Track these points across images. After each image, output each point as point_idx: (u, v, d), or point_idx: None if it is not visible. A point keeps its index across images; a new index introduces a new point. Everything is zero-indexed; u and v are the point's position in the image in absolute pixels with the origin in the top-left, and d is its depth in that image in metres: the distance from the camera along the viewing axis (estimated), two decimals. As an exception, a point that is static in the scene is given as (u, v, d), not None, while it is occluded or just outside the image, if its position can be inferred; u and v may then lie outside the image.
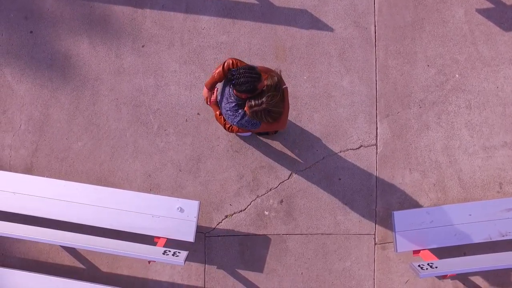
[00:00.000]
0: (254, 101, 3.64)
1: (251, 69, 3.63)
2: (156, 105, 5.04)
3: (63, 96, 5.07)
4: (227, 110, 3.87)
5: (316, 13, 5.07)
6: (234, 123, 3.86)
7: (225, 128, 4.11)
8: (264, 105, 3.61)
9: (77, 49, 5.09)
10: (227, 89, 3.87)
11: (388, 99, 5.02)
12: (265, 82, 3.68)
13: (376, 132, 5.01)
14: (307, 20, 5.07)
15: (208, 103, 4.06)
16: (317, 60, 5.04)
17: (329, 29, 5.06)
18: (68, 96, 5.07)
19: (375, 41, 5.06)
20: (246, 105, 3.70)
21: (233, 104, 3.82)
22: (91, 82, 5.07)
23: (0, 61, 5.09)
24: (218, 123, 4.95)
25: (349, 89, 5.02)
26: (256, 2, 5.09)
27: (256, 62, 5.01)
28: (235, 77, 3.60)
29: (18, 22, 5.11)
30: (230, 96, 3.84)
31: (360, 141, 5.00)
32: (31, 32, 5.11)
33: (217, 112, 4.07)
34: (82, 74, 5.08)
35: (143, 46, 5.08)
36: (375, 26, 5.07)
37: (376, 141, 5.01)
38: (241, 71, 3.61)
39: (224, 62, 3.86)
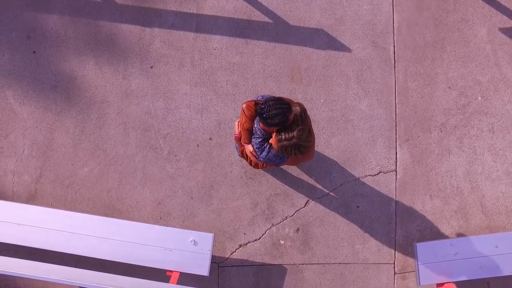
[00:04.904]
0: (284, 134, 3.39)
1: (279, 100, 3.41)
2: (166, 129, 4.82)
3: (68, 120, 4.84)
4: (255, 147, 3.66)
5: (333, 32, 4.86)
6: (261, 159, 3.65)
7: (250, 165, 3.90)
8: (295, 140, 3.38)
9: (82, 70, 4.85)
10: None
11: (408, 123, 4.82)
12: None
13: (396, 157, 4.81)
14: (324, 40, 4.85)
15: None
16: (334, 82, 4.83)
17: (347, 49, 4.85)
18: (73, 119, 4.84)
19: (395, 62, 4.85)
20: (273, 139, 3.48)
21: (260, 140, 3.61)
22: (97, 104, 4.84)
23: (2, 83, 4.85)
24: (231, 148, 4.75)
25: (367, 112, 4.81)
26: (270, 21, 4.86)
27: (270, 84, 4.80)
28: (265, 110, 3.36)
29: (20, 42, 4.86)
30: (256, 131, 3.62)
31: (379, 166, 4.80)
32: (34, 52, 4.86)
33: (242, 149, 3.87)
34: (87, 96, 4.84)
35: (151, 67, 4.85)
36: (394, 46, 4.86)
37: (396, 167, 4.81)
38: (271, 103, 3.37)
39: (243, 109, 3.61)
